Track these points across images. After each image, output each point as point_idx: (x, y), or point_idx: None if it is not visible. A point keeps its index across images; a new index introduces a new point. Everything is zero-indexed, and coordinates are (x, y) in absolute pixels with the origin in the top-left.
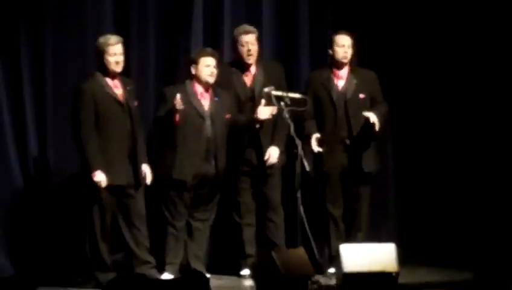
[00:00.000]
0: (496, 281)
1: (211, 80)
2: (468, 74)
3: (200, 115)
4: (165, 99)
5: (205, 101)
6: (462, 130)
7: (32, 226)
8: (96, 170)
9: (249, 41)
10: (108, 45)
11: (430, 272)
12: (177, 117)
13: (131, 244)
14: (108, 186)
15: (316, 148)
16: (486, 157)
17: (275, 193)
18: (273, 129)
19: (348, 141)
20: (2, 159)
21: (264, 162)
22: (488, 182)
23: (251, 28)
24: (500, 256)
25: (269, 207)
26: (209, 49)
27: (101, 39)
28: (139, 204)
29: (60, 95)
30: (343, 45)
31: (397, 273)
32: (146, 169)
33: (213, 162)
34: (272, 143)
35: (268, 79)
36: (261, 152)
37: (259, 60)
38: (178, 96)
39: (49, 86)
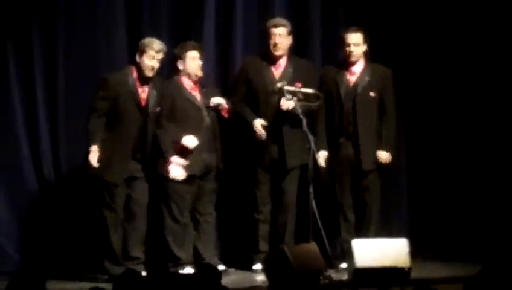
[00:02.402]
0: (504, 275)
1: (200, 73)
2: (480, 69)
3: (197, 108)
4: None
5: (196, 93)
6: (474, 124)
7: (43, 221)
8: (92, 145)
9: (277, 34)
10: (151, 49)
11: (442, 266)
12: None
13: (125, 233)
14: (111, 182)
15: (322, 164)
16: (498, 152)
17: (291, 190)
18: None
19: (342, 139)
20: (14, 157)
21: (286, 160)
22: (499, 177)
23: (283, 21)
24: (510, 250)
25: (283, 203)
26: (192, 42)
27: (147, 40)
28: (141, 192)
29: (72, 95)
30: (349, 44)
31: (409, 269)
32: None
33: (213, 153)
34: None
35: (297, 76)
36: (283, 147)
37: (291, 55)
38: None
39: (61, 86)
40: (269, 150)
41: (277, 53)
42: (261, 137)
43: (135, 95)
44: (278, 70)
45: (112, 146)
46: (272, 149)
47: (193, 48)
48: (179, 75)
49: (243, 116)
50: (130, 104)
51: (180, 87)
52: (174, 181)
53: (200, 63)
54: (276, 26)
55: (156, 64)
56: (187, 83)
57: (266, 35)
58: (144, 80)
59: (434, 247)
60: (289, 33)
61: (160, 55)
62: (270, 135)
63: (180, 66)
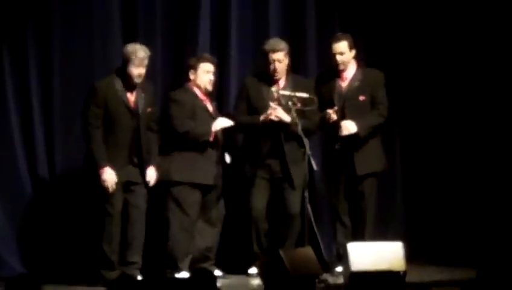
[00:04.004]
0: (500, 279)
1: (210, 87)
2: (475, 73)
3: (213, 118)
4: (178, 103)
5: (209, 105)
6: (469, 129)
7: (39, 225)
8: (104, 166)
9: (276, 60)
10: (136, 57)
11: (437, 270)
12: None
13: (123, 238)
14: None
15: (334, 116)
16: (494, 157)
17: (295, 202)
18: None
19: (337, 146)
20: (10, 160)
21: (289, 169)
22: (495, 181)
23: (281, 44)
24: (506, 254)
25: (287, 217)
26: (208, 55)
27: (130, 47)
28: (140, 198)
29: (67, 96)
30: (334, 53)
31: (404, 272)
32: (151, 172)
33: (220, 165)
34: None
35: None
36: (284, 160)
37: (289, 73)
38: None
39: (56, 87)
40: (269, 164)
41: (277, 78)
42: (271, 115)
43: (124, 98)
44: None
45: (108, 151)
46: (272, 165)
47: (208, 61)
48: (190, 84)
49: (246, 121)
50: (120, 108)
51: (195, 95)
52: (182, 186)
53: (212, 78)
54: (274, 51)
55: (143, 71)
56: (199, 94)
57: (264, 58)
58: (131, 87)
59: (429, 251)
60: (286, 55)
61: (146, 61)
62: (270, 151)
63: (192, 76)
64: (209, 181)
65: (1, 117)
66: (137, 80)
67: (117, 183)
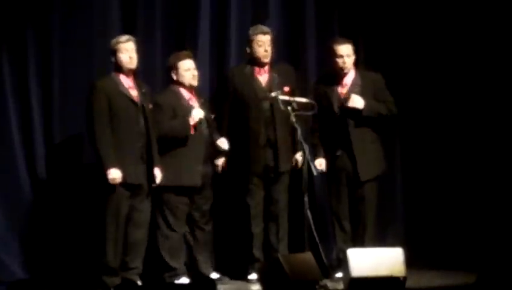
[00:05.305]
0: (500, 283)
1: (195, 82)
2: (475, 75)
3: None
4: (158, 107)
5: (194, 102)
6: (470, 132)
7: (39, 228)
8: (110, 167)
9: (266, 42)
10: (119, 43)
11: (437, 275)
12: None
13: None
14: (120, 184)
15: (317, 169)
16: (494, 161)
17: (282, 197)
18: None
19: (339, 152)
20: (9, 160)
21: (279, 164)
22: (495, 185)
23: (267, 28)
24: (506, 258)
25: (273, 214)
26: (185, 52)
27: (113, 40)
28: (145, 203)
29: (67, 97)
30: (342, 56)
31: (405, 278)
32: (157, 172)
33: (210, 164)
34: None
35: (283, 80)
36: (277, 154)
37: (272, 62)
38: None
39: (56, 87)
40: (264, 156)
41: (266, 60)
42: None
43: (126, 94)
44: (263, 76)
45: (117, 151)
46: (266, 155)
47: (187, 57)
48: (174, 84)
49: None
50: (124, 102)
51: (178, 97)
52: (169, 192)
53: (195, 73)
54: (264, 33)
55: (133, 54)
56: (184, 93)
57: (252, 43)
58: (127, 75)
59: (429, 256)
60: (272, 40)
61: (131, 44)
62: (264, 142)
63: (174, 76)
64: (196, 182)
65: (0, 117)
66: (130, 66)
67: (124, 188)
